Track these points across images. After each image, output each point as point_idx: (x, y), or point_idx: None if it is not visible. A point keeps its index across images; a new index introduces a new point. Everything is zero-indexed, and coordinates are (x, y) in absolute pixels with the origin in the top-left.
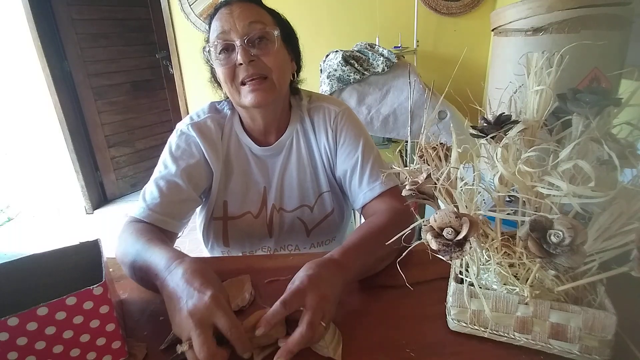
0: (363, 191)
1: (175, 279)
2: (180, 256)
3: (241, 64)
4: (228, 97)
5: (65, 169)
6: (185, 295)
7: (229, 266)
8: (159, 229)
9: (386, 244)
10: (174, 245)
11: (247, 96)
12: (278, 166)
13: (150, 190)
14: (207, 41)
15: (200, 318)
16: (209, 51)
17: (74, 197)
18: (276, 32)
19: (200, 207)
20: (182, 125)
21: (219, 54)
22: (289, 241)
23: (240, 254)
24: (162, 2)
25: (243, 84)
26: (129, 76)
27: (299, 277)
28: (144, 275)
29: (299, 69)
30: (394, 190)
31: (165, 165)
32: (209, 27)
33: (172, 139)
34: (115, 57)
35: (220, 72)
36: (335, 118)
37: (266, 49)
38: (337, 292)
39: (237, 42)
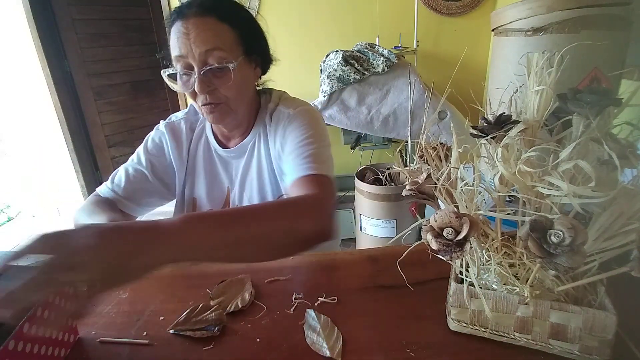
0: (291, 171)
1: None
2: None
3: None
4: None
5: (65, 169)
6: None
7: (229, 266)
8: (117, 207)
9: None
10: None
11: (206, 115)
12: (241, 168)
13: (119, 174)
14: (168, 47)
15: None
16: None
17: (74, 197)
18: (231, 65)
19: (174, 202)
20: (161, 123)
21: (181, 76)
22: None
23: None
24: (162, 2)
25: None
26: (129, 76)
27: None
28: None
29: (267, 66)
30: (320, 178)
31: (138, 155)
32: (169, 32)
33: (151, 133)
34: (115, 57)
35: (183, 92)
36: (287, 119)
37: (224, 79)
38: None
39: (195, 72)
